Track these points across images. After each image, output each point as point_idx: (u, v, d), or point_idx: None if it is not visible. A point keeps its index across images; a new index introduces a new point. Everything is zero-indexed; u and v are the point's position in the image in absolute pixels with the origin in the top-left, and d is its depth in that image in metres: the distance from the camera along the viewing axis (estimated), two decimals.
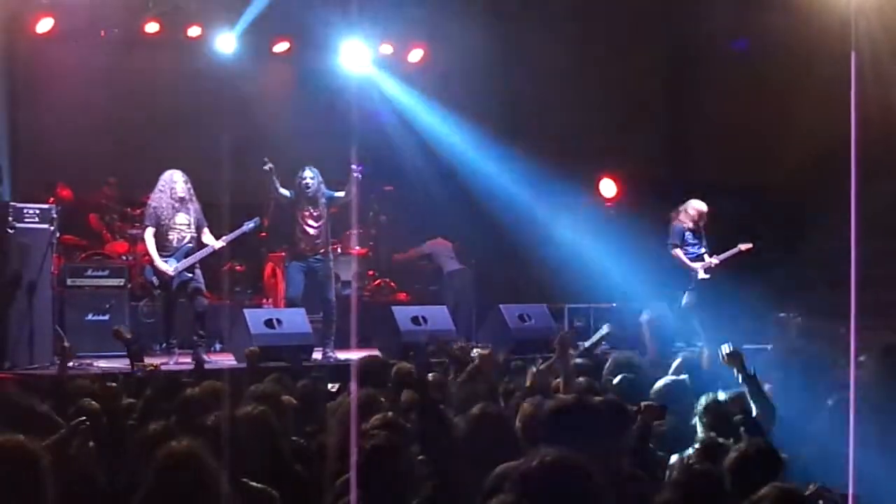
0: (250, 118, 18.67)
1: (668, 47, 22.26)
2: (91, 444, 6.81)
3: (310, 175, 14.87)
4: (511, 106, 20.41)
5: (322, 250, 14.96)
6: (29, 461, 4.87)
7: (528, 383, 9.14)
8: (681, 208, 16.69)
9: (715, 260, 16.59)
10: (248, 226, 14.62)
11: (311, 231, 14.85)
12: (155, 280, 14.07)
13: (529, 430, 6.81)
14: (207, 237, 14.23)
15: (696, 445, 6.89)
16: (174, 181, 14.11)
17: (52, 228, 13.64)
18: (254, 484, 6.10)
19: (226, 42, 18.37)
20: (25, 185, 16.32)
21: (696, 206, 16.66)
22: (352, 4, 18.80)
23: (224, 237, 14.35)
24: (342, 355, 14.92)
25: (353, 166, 14.82)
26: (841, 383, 8.54)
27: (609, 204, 20.37)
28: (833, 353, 10.77)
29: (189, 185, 14.16)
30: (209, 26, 18.37)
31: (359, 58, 19.16)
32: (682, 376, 9.03)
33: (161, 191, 14.11)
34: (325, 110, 18.88)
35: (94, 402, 7.89)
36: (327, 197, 14.95)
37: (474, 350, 12.27)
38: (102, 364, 13.18)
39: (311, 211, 14.83)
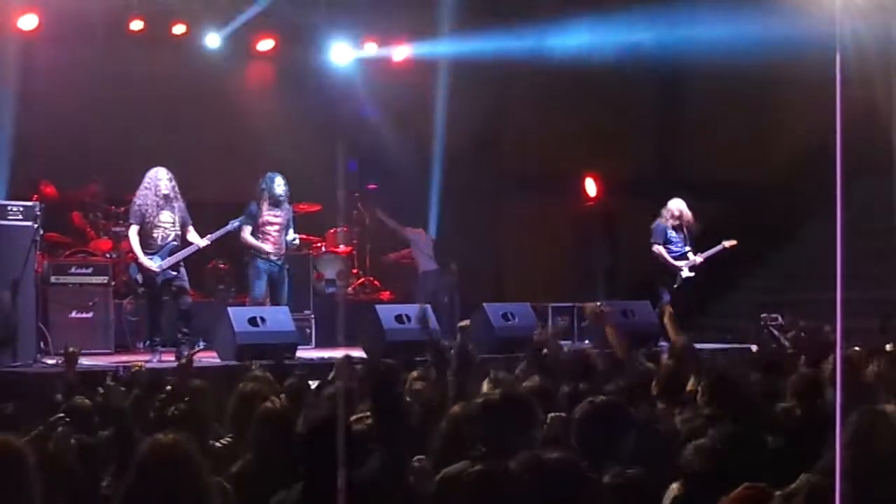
0: (235, 116, 18.67)
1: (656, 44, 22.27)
2: (73, 440, 6.79)
3: (284, 182, 15.00)
4: (497, 104, 20.44)
5: (281, 253, 15.10)
6: (14, 459, 4.86)
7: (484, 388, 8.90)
8: (664, 209, 16.75)
9: (699, 258, 16.61)
10: (233, 224, 14.60)
11: (274, 236, 14.98)
12: (139, 278, 14.04)
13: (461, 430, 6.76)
14: (192, 235, 14.21)
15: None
16: (159, 179, 14.07)
17: (35, 226, 13.59)
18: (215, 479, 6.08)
19: (211, 40, 18.42)
20: (9, 182, 16.28)
21: (677, 205, 16.70)
22: (337, 2, 18.82)
23: (209, 235, 14.33)
24: (326, 353, 14.94)
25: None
26: None
27: (593, 203, 20.39)
28: None
29: (174, 184, 14.12)
30: (194, 24, 18.35)
31: (344, 55, 19.25)
32: None
33: (146, 189, 14.06)
34: (309, 108, 18.88)
35: (86, 400, 7.86)
36: (289, 212, 15.13)
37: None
38: (86, 362, 13.15)
39: (275, 217, 14.94)
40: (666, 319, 11.85)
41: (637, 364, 9.80)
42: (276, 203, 15.00)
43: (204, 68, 18.49)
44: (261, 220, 14.94)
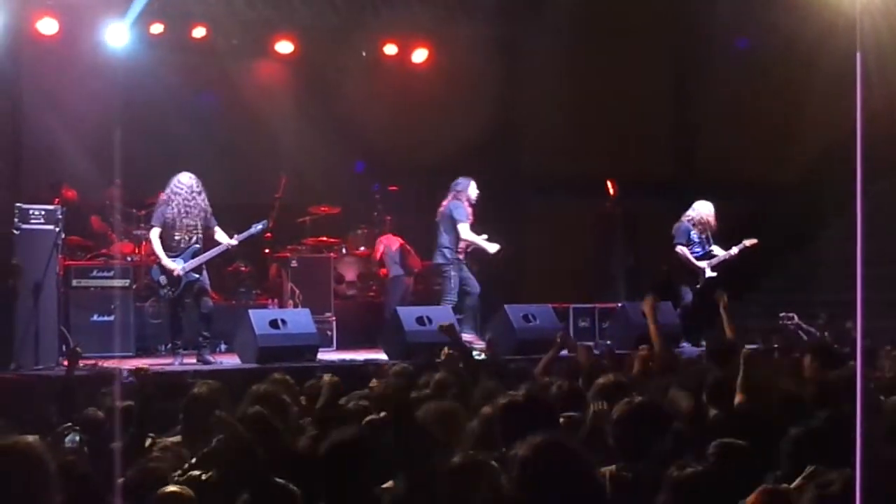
0: (255, 119, 18.68)
1: (673, 46, 22.25)
2: (85, 449, 6.80)
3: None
4: (516, 105, 20.41)
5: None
6: (37, 464, 4.85)
7: None
8: (690, 210, 16.74)
9: (734, 250, 16.54)
10: (257, 228, 14.62)
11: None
12: (162, 279, 14.04)
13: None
14: (220, 235, 14.16)
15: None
16: (185, 184, 14.04)
17: (57, 229, 13.63)
18: (278, 480, 6.06)
19: (230, 43, 18.47)
20: (31, 186, 16.33)
21: (703, 207, 16.69)
22: (357, 2, 18.83)
23: (237, 236, 14.31)
24: (347, 356, 14.98)
25: None
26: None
27: (612, 204, 20.35)
28: None
29: (200, 188, 14.09)
30: (214, 27, 18.36)
31: (360, 57, 19.31)
32: None
33: (171, 193, 14.03)
34: (329, 110, 18.89)
35: (98, 412, 7.87)
36: None
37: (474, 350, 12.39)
38: (107, 365, 13.19)
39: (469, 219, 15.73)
40: (721, 309, 11.87)
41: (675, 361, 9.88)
42: (472, 205, 15.73)
43: (223, 71, 18.52)
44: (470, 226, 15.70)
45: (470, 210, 15.74)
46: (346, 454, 5.95)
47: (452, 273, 15.70)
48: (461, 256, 15.74)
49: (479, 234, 15.80)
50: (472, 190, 15.81)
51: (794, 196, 21.35)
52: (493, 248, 15.68)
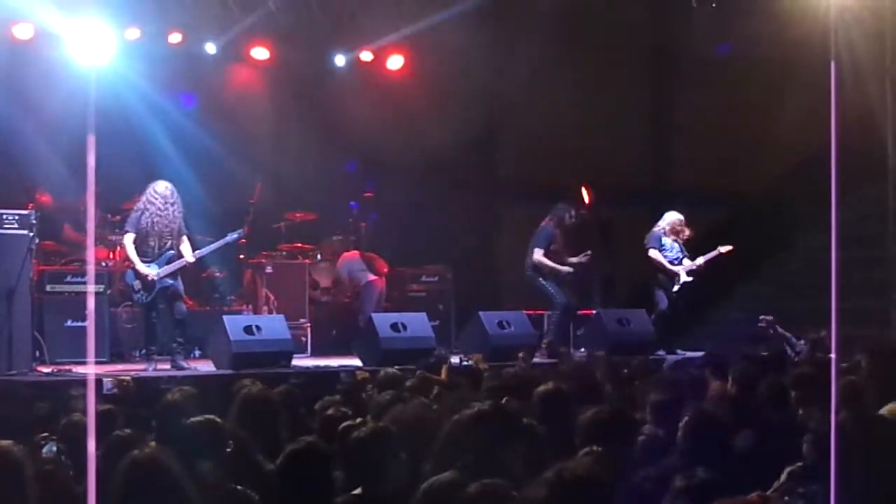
0: (230, 124, 18.62)
1: (650, 53, 22.29)
2: (63, 457, 6.77)
3: None
4: (492, 112, 20.39)
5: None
6: (12, 468, 4.84)
7: None
8: (661, 220, 16.78)
9: (700, 260, 16.58)
10: (232, 237, 14.60)
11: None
12: (136, 284, 13.98)
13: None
14: (185, 248, 14.13)
15: None
16: (160, 193, 13.99)
17: (31, 234, 13.58)
18: (235, 486, 6.06)
19: (207, 48, 18.46)
20: (4, 190, 16.24)
21: (672, 217, 16.74)
22: (333, 9, 18.82)
23: (198, 251, 14.28)
24: (321, 362, 14.96)
25: None
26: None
27: (588, 211, 20.36)
28: None
29: (175, 198, 14.06)
30: (190, 33, 18.33)
31: (339, 62, 19.33)
32: None
33: (147, 200, 13.99)
34: (304, 116, 18.86)
35: (74, 418, 7.85)
36: None
37: (453, 357, 12.36)
38: (81, 370, 13.13)
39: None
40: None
41: None
42: (564, 229, 16.81)
43: (199, 77, 18.49)
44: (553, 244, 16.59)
45: (557, 232, 16.63)
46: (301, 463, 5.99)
47: (546, 285, 16.50)
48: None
49: (574, 254, 16.83)
50: (567, 216, 16.76)
51: (769, 204, 21.39)
52: (565, 269, 16.66)
